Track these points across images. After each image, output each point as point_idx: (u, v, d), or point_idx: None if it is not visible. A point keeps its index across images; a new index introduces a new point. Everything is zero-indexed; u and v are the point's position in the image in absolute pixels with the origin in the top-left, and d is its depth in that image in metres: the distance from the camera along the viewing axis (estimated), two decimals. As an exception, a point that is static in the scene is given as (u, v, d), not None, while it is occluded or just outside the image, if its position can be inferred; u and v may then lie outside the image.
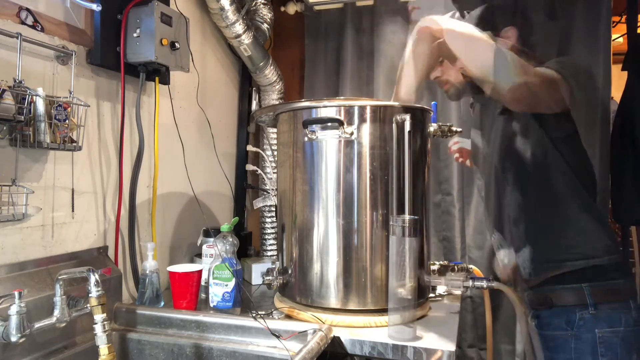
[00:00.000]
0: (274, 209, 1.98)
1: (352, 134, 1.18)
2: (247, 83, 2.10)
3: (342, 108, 1.20)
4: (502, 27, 1.29)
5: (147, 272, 1.33)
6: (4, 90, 0.95)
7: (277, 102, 2.04)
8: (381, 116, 1.19)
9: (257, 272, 1.64)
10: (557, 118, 1.13)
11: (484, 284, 1.23)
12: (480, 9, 1.36)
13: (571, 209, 1.17)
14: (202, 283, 1.39)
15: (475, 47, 1.12)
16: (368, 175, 1.19)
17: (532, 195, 1.21)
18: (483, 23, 1.29)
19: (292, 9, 2.17)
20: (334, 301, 1.20)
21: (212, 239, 1.52)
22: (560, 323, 1.14)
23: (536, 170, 1.20)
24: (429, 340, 1.09)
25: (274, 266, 1.34)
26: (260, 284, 1.52)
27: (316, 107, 1.23)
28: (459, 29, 1.15)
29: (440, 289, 1.30)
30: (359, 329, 1.15)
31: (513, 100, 1.05)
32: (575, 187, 1.17)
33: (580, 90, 1.10)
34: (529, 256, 1.21)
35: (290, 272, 1.29)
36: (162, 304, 1.35)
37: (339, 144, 1.20)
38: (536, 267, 1.19)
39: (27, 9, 1.11)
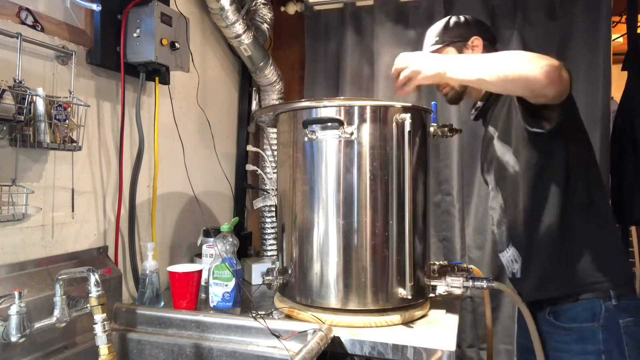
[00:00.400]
0: (274, 209, 1.98)
1: (352, 134, 1.18)
2: (247, 83, 2.10)
3: (342, 108, 1.20)
4: (467, 37, 1.34)
5: (147, 272, 1.33)
6: (4, 90, 0.95)
7: (277, 102, 2.04)
8: (381, 116, 1.19)
9: (257, 272, 1.64)
10: (547, 109, 1.11)
11: (484, 284, 1.23)
12: (438, 26, 1.40)
13: (570, 214, 1.17)
14: (202, 283, 1.39)
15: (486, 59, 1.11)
16: (368, 175, 1.19)
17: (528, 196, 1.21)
18: (446, 36, 1.36)
19: (292, 9, 2.17)
20: (334, 301, 1.20)
21: (212, 239, 1.52)
22: (586, 315, 1.15)
23: (524, 172, 1.21)
24: (429, 340, 1.09)
25: (274, 266, 1.34)
26: (260, 284, 1.52)
27: (316, 107, 1.23)
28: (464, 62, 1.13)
29: (440, 289, 1.30)
30: (359, 329, 1.15)
31: (550, 83, 1.01)
32: (570, 185, 1.17)
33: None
34: (516, 255, 1.22)
35: (290, 272, 1.29)
36: (162, 304, 1.35)
37: (339, 144, 1.20)
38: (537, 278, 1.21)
39: (27, 9, 1.11)
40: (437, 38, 1.39)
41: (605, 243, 1.18)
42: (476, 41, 1.35)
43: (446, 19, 1.42)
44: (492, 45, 1.37)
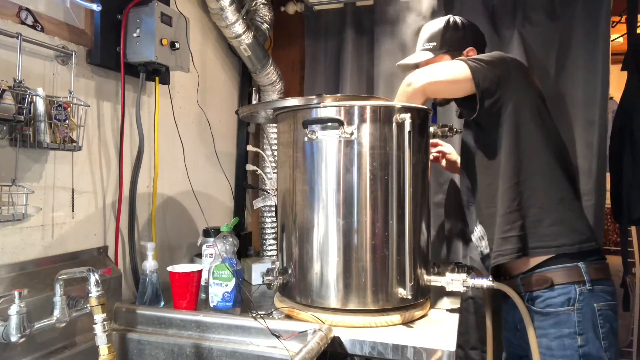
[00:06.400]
0: (274, 209, 1.98)
1: (352, 134, 1.18)
2: (247, 83, 2.10)
3: (342, 108, 1.20)
4: (463, 46, 1.45)
5: (147, 272, 1.33)
6: (4, 90, 0.95)
7: (277, 102, 2.04)
8: (381, 116, 1.19)
9: (257, 272, 1.64)
10: (465, 100, 1.28)
11: (484, 283, 1.23)
12: (437, 29, 1.48)
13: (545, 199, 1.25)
14: (202, 283, 1.39)
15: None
16: (368, 175, 1.19)
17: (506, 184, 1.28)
18: (445, 43, 1.46)
19: (292, 9, 2.17)
20: (334, 301, 1.20)
21: (212, 239, 1.52)
22: (562, 300, 1.20)
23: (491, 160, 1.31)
24: (429, 340, 1.09)
25: (274, 266, 1.34)
26: (260, 284, 1.52)
27: (316, 107, 1.23)
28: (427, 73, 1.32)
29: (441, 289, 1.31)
30: (359, 329, 1.15)
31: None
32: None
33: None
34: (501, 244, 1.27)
35: (290, 272, 1.29)
36: (162, 304, 1.35)
37: (339, 144, 1.20)
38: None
39: (27, 9, 1.11)
40: (435, 43, 1.46)
41: (561, 211, 1.25)
42: (471, 52, 1.44)
43: (445, 19, 1.46)
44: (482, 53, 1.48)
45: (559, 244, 1.21)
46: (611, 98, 1.80)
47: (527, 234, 1.23)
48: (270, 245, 1.94)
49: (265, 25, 1.99)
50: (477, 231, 1.37)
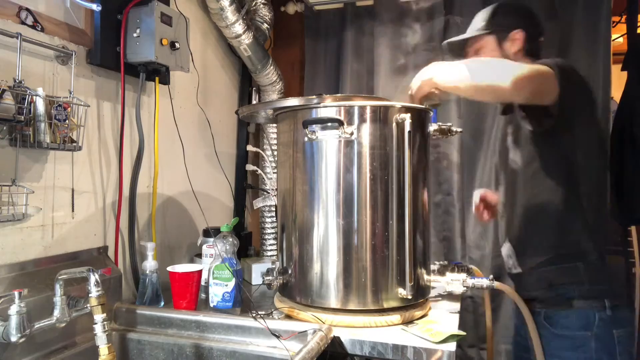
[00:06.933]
0: (274, 209, 1.98)
1: (352, 134, 1.18)
2: (247, 83, 2.10)
3: (342, 108, 1.20)
4: (510, 29, 1.35)
5: (147, 272, 1.33)
6: (4, 90, 0.95)
7: (277, 102, 2.04)
8: (381, 116, 1.19)
9: (257, 272, 1.64)
10: (540, 111, 1.20)
11: (484, 283, 1.23)
12: (487, 11, 1.41)
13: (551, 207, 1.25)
14: (202, 283, 1.39)
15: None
16: (368, 175, 1.19)
17: (518, 192, 1.29)
18: (491, 24, 1.37)
19: (292, 9, 2.17)
20: (334, 301, 1.20)
21: (212, 239, 1.52)
22: (580, 324, 1.18)
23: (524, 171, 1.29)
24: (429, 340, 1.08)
25: (274, 266, 1.34)
26: (260, 284, 1.51)
27: (316, 107, 1.23)
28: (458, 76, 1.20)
29: (441, 289, 1.30)
30: (359, 329, 1.15)
31: (515, 90, 1.10)
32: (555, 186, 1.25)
33: (569, 85, 1.16)
34: (511, 250, 1.27)
35: (290, 272, 1.29)
36: (162, 304, 1.35)
37: (339, 144, 1.20)
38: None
39: (27, 9, 1.11)
40: (484, 23, 1.40)
41: (560, 211, 1.24)
42: (518, 34, 1.34)
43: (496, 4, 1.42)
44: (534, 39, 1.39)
45: (557, 244, 1.21)
46: (611, 98, 1.79)
47: (525, 234, 1.23)
48: (270, 245, 1.95)
49: (265, 25, 1.99)
50: (506, 248, 1.38)
